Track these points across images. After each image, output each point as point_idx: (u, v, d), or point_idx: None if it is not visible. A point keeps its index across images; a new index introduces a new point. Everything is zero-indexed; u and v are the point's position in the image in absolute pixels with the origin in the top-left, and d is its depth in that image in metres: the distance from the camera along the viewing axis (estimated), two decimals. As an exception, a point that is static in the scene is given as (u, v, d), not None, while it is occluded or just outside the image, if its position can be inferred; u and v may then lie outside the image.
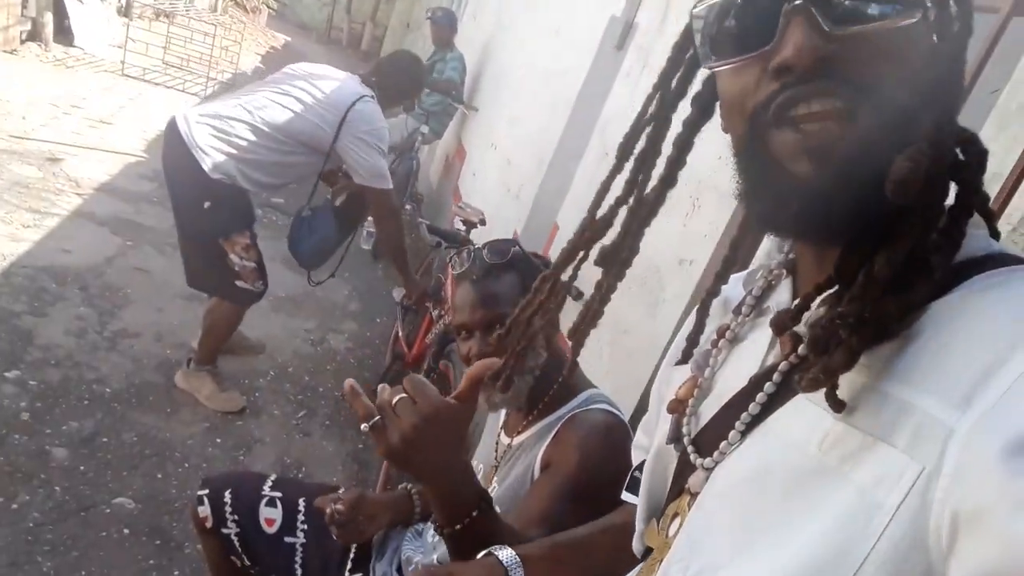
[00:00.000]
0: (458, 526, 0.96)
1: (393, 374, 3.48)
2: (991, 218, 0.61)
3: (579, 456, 1.29)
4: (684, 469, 0.71)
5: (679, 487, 0.71)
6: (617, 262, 0.76)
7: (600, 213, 0.78)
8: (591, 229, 0.79)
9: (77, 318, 3.25)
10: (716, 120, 0.71)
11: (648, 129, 0.73)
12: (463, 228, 3.26)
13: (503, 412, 1.60)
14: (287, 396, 3.32)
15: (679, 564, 0.64)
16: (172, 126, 2.72)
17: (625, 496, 0.96)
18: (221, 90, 7.76)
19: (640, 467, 0.93)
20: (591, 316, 0.79)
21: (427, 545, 1.63)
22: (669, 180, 0.73)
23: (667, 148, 0.73)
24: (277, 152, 2.78)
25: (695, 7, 0.62)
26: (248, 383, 3.29)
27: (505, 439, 1.54)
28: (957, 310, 0.52)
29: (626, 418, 1.44)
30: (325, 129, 2.79)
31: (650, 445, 0.88)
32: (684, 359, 0.80)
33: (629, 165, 0.76)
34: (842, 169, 0.53)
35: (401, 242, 3.12)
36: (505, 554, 0.89)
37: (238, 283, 2.87)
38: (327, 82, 2.87)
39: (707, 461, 0.66)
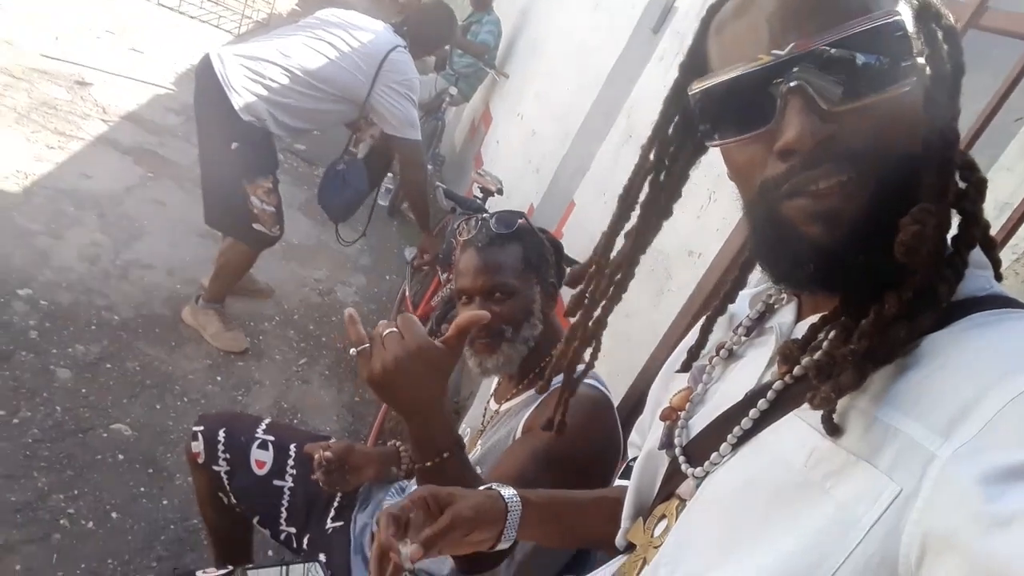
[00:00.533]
0: (429, 463, 1.03)
1: (396, 332, 3.51)
2: (992, 247, 0.62)
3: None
4: (674, 475, 0.74)
5: (668, 491, 0.74)
6: (613, 284, 0.78)
7: (607, 257, 0.80)
8: (606, 279, 0.79)
9: (92, 244, 3.29)
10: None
11: (650, 177, 0.74)
12: (480, 195, 3.27)
13: (495, 380, 1.63)
14: (290, 342, 3.36)
15: (667, 568, 0.66)
16: (206, 63, 2.72)
17: (618, 482, 0.99)
18: (256, 29, 7.72)
19: (635, 459, 0.95)
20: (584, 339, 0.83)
21: (409, 503, 1.67)
22: (664, 211, 0.75)
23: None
24: (311, 99, 2.79)
25: (691, 88, 0.63)
26: (253, 326, 3.33)
27: (494, 405, 1.57)
28: (949, 344, 0.54)
29: (614, 397, 1.46)
30: (360, 78, 2.79)
31: (643, 444, 0.91)
32: (684, 369, 0.82)
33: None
34: (853, 228, 0.55)
35: (424, 193, 3.15)
36: (507, 491, 0.91)
37: (255, 226, 2.89)
38: (362, 32, 2.87)
39: (697, 470, 0.68)
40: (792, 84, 0.54)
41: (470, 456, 1.48)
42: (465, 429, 1.70)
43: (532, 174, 3.68)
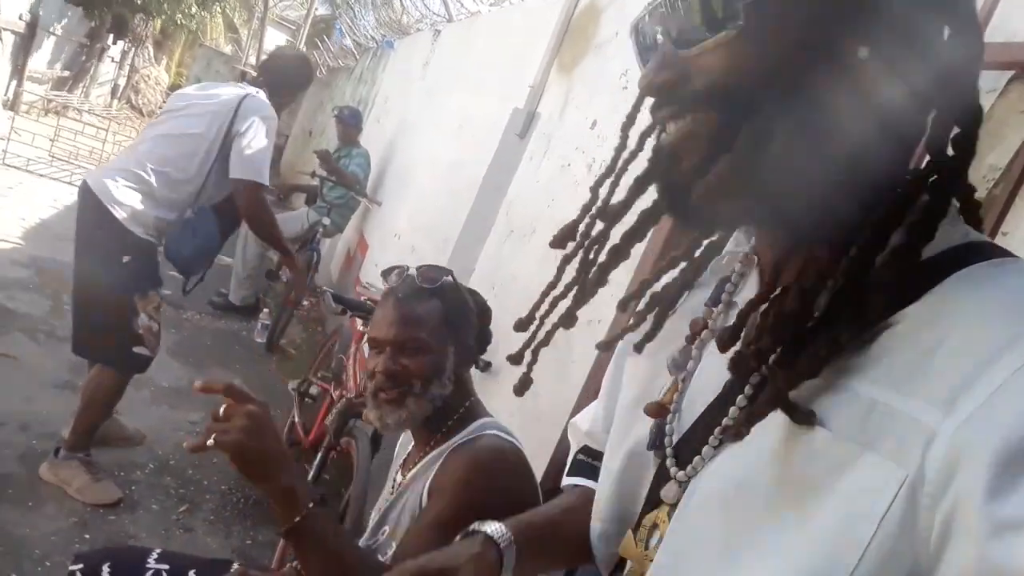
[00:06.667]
0: (297, 518, 1.10)
1: (287, 463, 3.29)
2: (976, 215, 0.58)
3: (461, 483, 1.27)
4: (663, 478, 0.67)
5: (657, 496, 0.67)
6: (582, 290, 0.74)
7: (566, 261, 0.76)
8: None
9: (-72, 405, 2.92)
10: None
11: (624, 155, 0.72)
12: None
13: (405, 452, 1.53)
14: (167, 490, 3.05)
15: None
16: (85, 188, 2.71)
17: (569, 480, 0.92)
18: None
19: (583, 451, 0.90)
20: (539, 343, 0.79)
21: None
22: (630, 203, 0.71)
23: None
24: (187, 182, 2.79)
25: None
26: (124, 476, 3.01)
27: (400, 477, 1.49)
28: (937, 313, 0.50)
29: (525, 452, 1.41)
30: (216, 128, 2.79)
31: (590, 428, 0.87)
32: (637, 350, 0.77)
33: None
34: (688, 163, 0.57)
35: (276, 229, 3.13)
36: (493, 528, 0.80)
37: (136, 349, 2.74)
38: (212, 92, 2.90)
39: (680, 475, 0.63)
40: (658, 28, 0.59)
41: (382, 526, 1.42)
42: (374, 515, 1.58)
43: (416, 287, 3.69)
